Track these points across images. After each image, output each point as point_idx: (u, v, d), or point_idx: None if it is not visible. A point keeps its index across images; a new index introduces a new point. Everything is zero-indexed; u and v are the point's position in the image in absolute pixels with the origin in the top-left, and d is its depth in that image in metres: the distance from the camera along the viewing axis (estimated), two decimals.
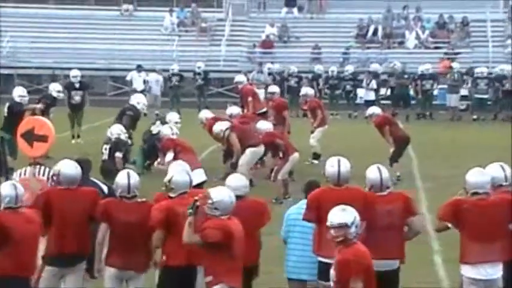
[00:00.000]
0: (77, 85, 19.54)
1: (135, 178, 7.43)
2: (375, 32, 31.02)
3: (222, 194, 6.89)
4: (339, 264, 6.19)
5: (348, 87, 26.44)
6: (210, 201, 6.80)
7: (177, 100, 25.84)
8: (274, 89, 17.96)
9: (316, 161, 16.44)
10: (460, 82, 25.87)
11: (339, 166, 7.47)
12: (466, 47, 30.47)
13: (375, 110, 15.80)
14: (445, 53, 29.96)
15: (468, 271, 7.18)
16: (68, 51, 30.00)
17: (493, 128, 23.67)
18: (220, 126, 14.19)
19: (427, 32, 30.99)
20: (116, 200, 7.44)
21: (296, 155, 14.08)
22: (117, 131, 13.07)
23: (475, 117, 25.57)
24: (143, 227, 7.24)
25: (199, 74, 26.64)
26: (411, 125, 24.00)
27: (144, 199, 7.53)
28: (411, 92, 26.36)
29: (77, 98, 19.30)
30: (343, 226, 6.26)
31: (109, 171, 11.64)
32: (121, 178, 7.39)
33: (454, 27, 30.86)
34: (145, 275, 7.48)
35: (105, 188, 8.22)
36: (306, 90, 18.56)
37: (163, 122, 14.66)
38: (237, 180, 7.61)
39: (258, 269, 7.64)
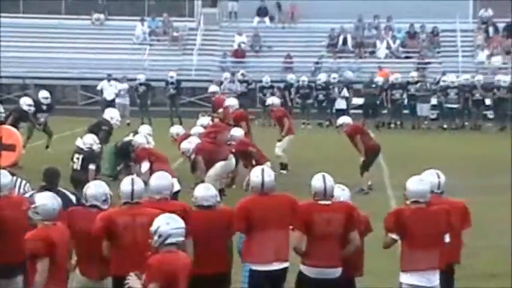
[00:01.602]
0: (44, 107, 19.34)
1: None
2: (345, 42, 31.23)
3: (44, 199, 6.88)
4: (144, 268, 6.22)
5: (320, 97, 26.59)
6: (33, 206, 6.83)
7: (145, 109, 25.89)
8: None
9: (284, 171, 16.48)
10: (431, 92, 26.15)
11: (262, 176, 7.53)
12: (436, 56, 30.78)
13: (345, 119, 15.93)
14: (416, 63, 30.23)
15: (408, 278, 7.23)
16: (38, 60, 29.93)
17: (463, 137, 23.94)
18: (188, 145, 14.19)
19: (397, 41, 31.27)
20: (81, 209, 7.47)
21: (268, 163, 14.20)
22: (90, 141, 12.95)
23: (445, 126, 25.85)
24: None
25: (171, 83, 26.68)
26: (381, 134, 24.24)
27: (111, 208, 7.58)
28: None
29: (42, 119, 19.11)
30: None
31: (79, 182, 11.60)
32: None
33: (425, 37, 31.17)
34: None
35: (73, 198, 8.25)
36: (272, 100, 18.68)
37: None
38: (205, 190, 7.68)
39: (229, 278, 7.69)
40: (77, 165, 12.72)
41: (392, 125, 26.27)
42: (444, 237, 7.35)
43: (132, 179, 7.40)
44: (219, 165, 13.82)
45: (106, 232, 7.16)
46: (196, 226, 7.34)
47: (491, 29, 31.05)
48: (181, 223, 6.40)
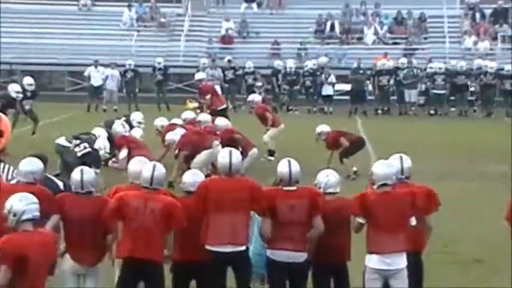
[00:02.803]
0: (29, 94, 19.32)
1: (89, 174, 7.53)
2: (333, 28, 31.28)
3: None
4: None
5: (308, 83, 26.66)
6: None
7: (133, 96, 25.92)
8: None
9: (271, 158, 16.53)
10: (419, 78, 26.28)
11: (230, 157, 7.55)
12: (423, 42, 30.88)
13: (323, 128, 15.55)
14: (403, 49, 30.33)
15: (372, 261, 7.28)
16: (25, 46, 29.82)
17: (450, 123, 24.08)
18: (173, 136, 14.24)
19: (385, 27, 31.34)
20: (71, 195, 7.53)
21: (255, 150, 14.25)
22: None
23: (432, 112, 25.99)
24: (97, 222, 7.34)
25: (159, 69, 26.69)
26: (368, 120, 24.37)
27: (98, 194, 7.65)
28: (370, 88, 26.74)
29: (27, 107, 19.09)
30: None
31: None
32: (75, 174, 7.49)
33: (412, 23, 31.25)
34: (106, 270, 7.56)
35: (60, 184, 8.31)
36: (253, 97, 18.57)
37: (128, 121, 14.71)
38: (194, 176, 7.77)
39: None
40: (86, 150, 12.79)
41: (379, 111, 26.38)
42: (409, 220, 7.39)
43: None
44: (204, 152, 13.90)
45: (117, 212, 7.23)
46: (185, 212, 7.41)
47: (478, 15, 31.16)
48: (33, 199, 6.42)
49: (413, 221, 7.42)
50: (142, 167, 7.48)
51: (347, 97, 26.39)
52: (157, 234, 7.23)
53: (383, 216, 7.28)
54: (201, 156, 13.88)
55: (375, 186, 7.41)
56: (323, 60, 27.55)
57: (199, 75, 21.77)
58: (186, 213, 7.38)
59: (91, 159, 11.63)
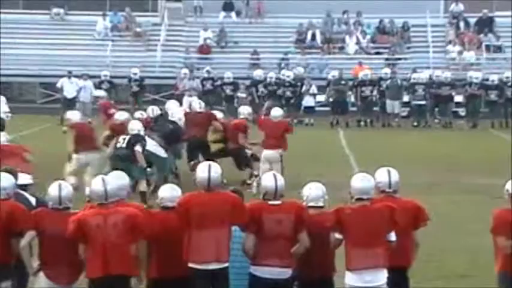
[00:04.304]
0: None
1: (67, 189, 7.53)
2: (314, 37, 31.41)
3: None
4: None
5: (288, 94, 26.72)
6: None
7: None
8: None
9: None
10: (402, 88, 26.42)
11: (209, 171, 7.56)
12: (406, 52, 31.08)
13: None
14: (386, 59, 30.51)
15: (350, 279, 7.30)
16: None
17: (434, 135, 24.22)
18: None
19: (367, 37, 31.52)
20: (48, 211, 7.52)
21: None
22: (137, 127, 14.05)
23: (415, 124, 26.14)
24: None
25: (135, 80, 26.69)
26: (351, 132, 24.46)
27: (76, 210, 7.65)
28: (352, 99, 26.86)
29: None
30: None
31: (123, 158, 13.25)
32: (53, 189, 7.49)
33: (395, 33, 31.45)
34: None
35: (33, 200, 8.29)
36: (242, 110, 17.60)
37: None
38: (172, 191, 7.79)
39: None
40: (122, 144, 13.76)
41: (362, 123, 26.50)
42: (388, 235, 7.40)
43: (103, 179, 7.45)
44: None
45: (79, 234, 7.24)
46: (157, 227, 7.46)
47: (462, 24, 31.43)
48: None
49: (392, 237, 7.42)
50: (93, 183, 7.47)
51: (328, 108, 26.49)
52: (125, 248, 7.25)
53: (359, 231, 7.31)
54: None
55: (353, 200, 7.47)
56: (300, 70, 27.66)
57: (98, 93, 21.78)
58: (153, 223, 7.39)
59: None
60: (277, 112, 15.26)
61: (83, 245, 7.29)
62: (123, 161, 13.39)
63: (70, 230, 7.27)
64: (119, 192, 7.55)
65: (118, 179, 7.69)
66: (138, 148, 13.67)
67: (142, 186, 13.67)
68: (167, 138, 14.77)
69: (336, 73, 26.92)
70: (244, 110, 16.66)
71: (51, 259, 7.33)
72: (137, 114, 15.86)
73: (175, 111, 15.26)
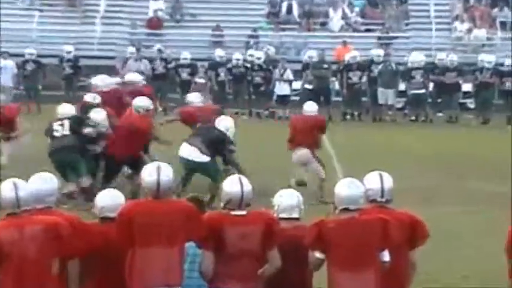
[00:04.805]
0: None
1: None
2: (290, 10, 31.44)
3: None
4: None
5: (257, 79, 26.73)
6: None
7: (34, 93, 25.79)
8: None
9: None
10: (398, 74, 26.49)
11: (158, 175, 7.55)
12: (403, 30, 31.21)
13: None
14: (378, 37, 30.64)
15: None
16: None
17: (436, 131, 24.35)
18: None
19: (356, 10, 31.61)
20: None
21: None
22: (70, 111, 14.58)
23: (413, 118, 26.26)
24: None
25: (68, 60, 26.58)
26: (334, 127, 24.52)
27: None
28: (336, 86, 26.93)
29: None
30: None
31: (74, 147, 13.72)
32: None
33: (390, 5, 31.57)
34: None
35: None
36: (191, 97, 18.03)
37: None
38: (113, 198, 7.84)
39: None
40: (62, 132, 13.90)
41: (348, 116, 26.58)
42: (380, 255, 7.40)
43: (15, 183, 7.37)
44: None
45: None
46: (95, 242, 7.49)
47: None
48: None
49: (385, 256, 7.43)
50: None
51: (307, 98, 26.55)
52: (47, 265, 7.21)
53: (345, 249, 7.30)
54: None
55: (336, 212, 7.47)
56: (272, 51, 27.68)
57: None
58: (89, 237, 7.39)
59: None
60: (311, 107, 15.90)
61: None
62: (70, 152, 13.42)
63: None
64: (46, 199, 7.52)
65: (42, 183, 7.64)
66: (88, 130, 13.77)
67: (86, 182, 13.80)
68: (211, 145, 14.68)
69: (314, 54, 26.97)
70: (194, 98, 16.83)
71: None
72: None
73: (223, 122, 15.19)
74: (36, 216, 7.34)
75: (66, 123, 14.20)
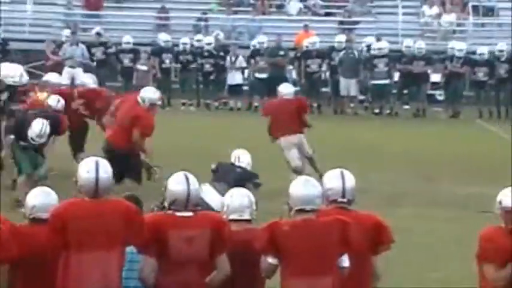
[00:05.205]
0: None
1: None
2: None
3: None
4: None
5: (207, 67, 26.72)
6: None
7: None
8: None
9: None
10: (361, 63, 26.57)
11: (96, 171, 7.49)
12: (367, 14, 31.33)
13: None
14: (340, 22, 30.72)
15: None
16: None
17: (402, 125, 24.48)
18: None
19: None
20: None
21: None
22: None
23: (377, 111, 26.36)
24: None
25: None
26: None
27: None
28: (293, 75, 26.98)
29: None
30: None
31: None
32: None
33: None
34: None
35: None
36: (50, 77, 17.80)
37: None
38: (45, 197, 7.78)
39: None
40: None
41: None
42: (339, 260, 7.41)
43: None
44: None
45: None
46: (24, 246, 7.41)
47: None
48: None
49: (344, 262, 7.44)
50: None
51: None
52: None
53: (300, 254, 7.29)
54: None
55: (291, 213, 7.45)
56: (223, 36, 27.71)
57: None
58: (16, 240, 7.30)
59: None
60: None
61: None
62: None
63: None
64: None
65: None
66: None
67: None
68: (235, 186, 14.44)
69: (265, 39, 26.99)
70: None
71: None
72: None
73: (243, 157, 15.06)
74: None
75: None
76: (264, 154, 15.55)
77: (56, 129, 14.78)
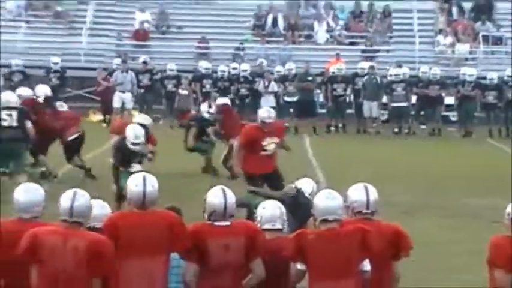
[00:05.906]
0: None
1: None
2: (276, 23, 31.45)
3: None
4: None
5: (243, 91, 26.74)
6: None
7: None
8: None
9: None
10: (382, 87, 26.50)
11: (144, 185, 7.47)
12: (387, 43, 31.26)
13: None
14: (363, 51, 30.66)
15: None
16: None
17: (419, 143, 24.37)
18: None
19: (340, 23, 31.64)
20: None
21: None
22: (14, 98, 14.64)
23: (396, 130, 26.29)
24: None
25: (55, 71, 26.55)
26: (319, 139, 24.52)
27: None
28: (321, 99, 26.97)
29: None
30: None
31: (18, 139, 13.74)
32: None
33: (374, 19, 31.61)
34: None
35: None
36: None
37: None
38: (100, 208, 7.82)
39: None
40: (10, 122, 14.02)
41: (332, 128, 26.58)
42: (360, 264, 7.37)
43: (74, 193, 7.23)
44: None
45: (32, 254, 7.01)
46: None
47: (455, 10, 31.70)
48: None
49: (366, 266, 7.41)
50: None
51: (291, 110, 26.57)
52: (81, 282, 7.04)
53: (325, 260, 7.28)
54: None
55: (316, 223, 7.45)
56: (264, 63, 27.72)
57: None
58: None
59: None
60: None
61: None
62: (14, 142, 13.95)
63: (22, 246, 7.09)
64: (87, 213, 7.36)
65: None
66: (29, 124, 14.23)
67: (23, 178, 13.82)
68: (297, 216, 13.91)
69: (293, 66, 26.99)
70: None
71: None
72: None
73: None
74: (82, 232, 7.17)
75: (14, 114, 14.24)
76: (287, 167, 15.34)
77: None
